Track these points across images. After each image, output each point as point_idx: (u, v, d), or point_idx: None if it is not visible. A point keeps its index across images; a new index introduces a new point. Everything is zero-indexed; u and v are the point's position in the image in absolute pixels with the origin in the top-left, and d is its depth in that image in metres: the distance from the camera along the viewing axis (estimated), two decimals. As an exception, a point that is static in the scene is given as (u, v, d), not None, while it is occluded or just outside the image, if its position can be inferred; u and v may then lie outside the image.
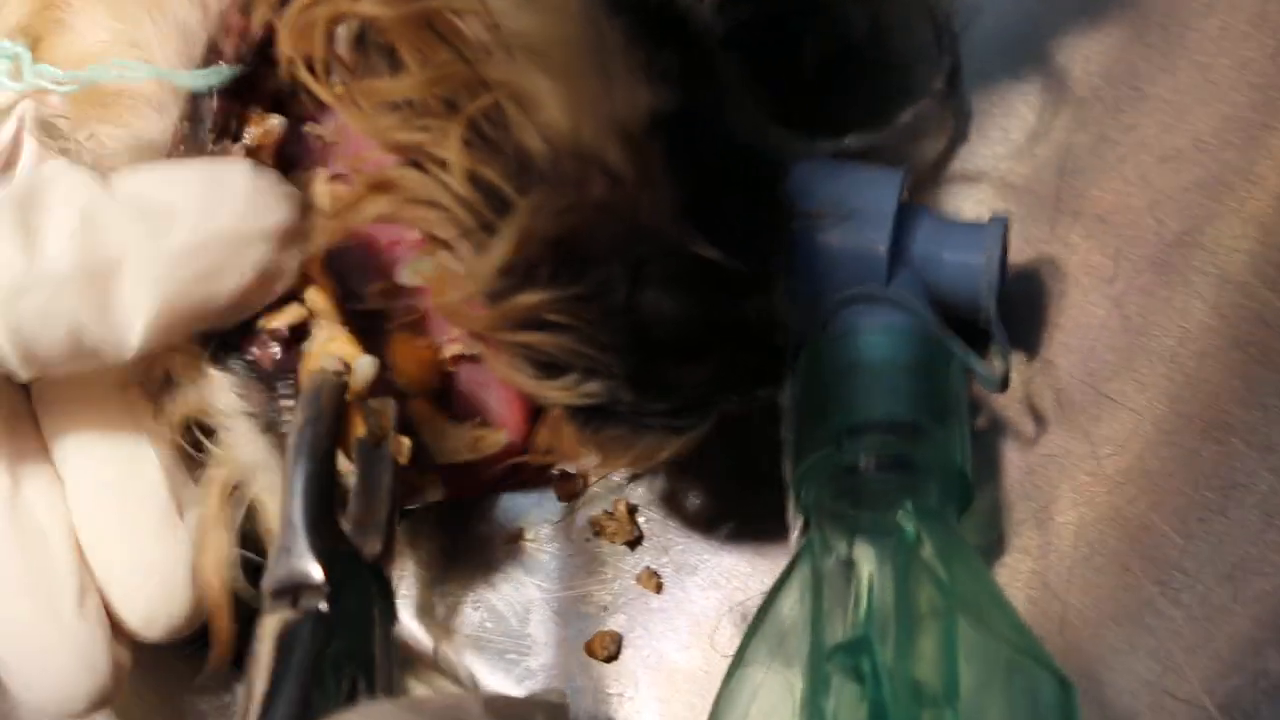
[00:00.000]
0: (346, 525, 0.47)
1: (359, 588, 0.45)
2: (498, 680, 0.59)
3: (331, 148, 0.52)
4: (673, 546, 0.59)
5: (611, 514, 0.59)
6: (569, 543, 0.60)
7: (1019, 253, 0.60)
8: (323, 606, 0.43)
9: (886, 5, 0.59)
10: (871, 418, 0.52)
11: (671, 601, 0.59)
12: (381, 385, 0.50)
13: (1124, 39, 0.63)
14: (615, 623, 0.59)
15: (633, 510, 0.59)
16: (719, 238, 0.47)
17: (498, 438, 0.53)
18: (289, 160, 0.52)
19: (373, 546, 0.47)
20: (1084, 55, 0.63)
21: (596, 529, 0.60)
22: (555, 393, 0.48)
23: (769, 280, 0.49)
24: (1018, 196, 0.62)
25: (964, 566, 0.50)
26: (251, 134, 0.51)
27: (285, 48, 0.48)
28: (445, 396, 0.53)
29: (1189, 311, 0.59)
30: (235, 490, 0.51)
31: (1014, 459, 0.58)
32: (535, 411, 0.53)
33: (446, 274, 0.47)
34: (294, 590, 0.44)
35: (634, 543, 0.59)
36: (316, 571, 0.44)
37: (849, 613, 0.50)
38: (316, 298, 0.50)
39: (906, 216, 0.56)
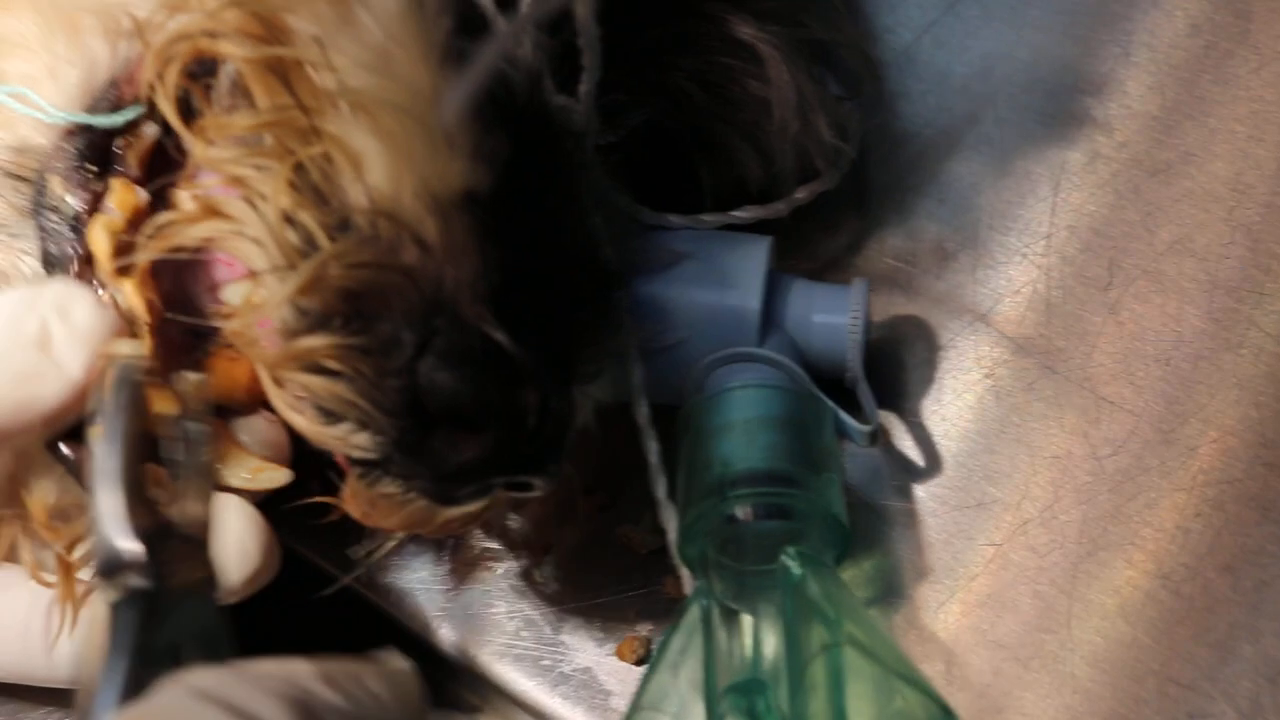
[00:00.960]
0: (164, 502, 0.46)
1: (186, 562, 0.45)
2: (533, 685, 0.61)
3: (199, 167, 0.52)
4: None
5: (637, 525, 0.62)
6: (598, 553, 0.63)
7: (1020, 265, 0.63)
8: (145, 584, 0.43)
9: (778, 147, 0.60)
10: (750, 469, 0.55)
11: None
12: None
13: (1112, 59, 0.66)
14: (643, 628, 0.61)
15: (655, 522, 0.62)
16: (515, 324, 0.48)
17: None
18: (162, 167, 0.53)
19: (193, 519, 0.47)
20: (1075, 76, 0.66)
21: (624, 539, 0.62)
22: (328, 439, 0.49)
23: (559, 375, 0.50)
24: (1013, 213, 0.65)
25: (848, 606, 0.52)
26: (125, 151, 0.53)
27: (148, 74, 0.50)
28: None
29: (1182, 317, 0.61)
30: None
31: (1020, 463, 0.61)
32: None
33: (250, 304, 0.48)
34: (116, 571, 0.44)
35: (659, 551, 0.62)
36: (134, 549, 0.43)
37: (738, 658, 0.53)
38: (131, 292, 0.51)
39: (775, 281, 0.59)
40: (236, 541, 0.52)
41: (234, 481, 0.53)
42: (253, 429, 0.54)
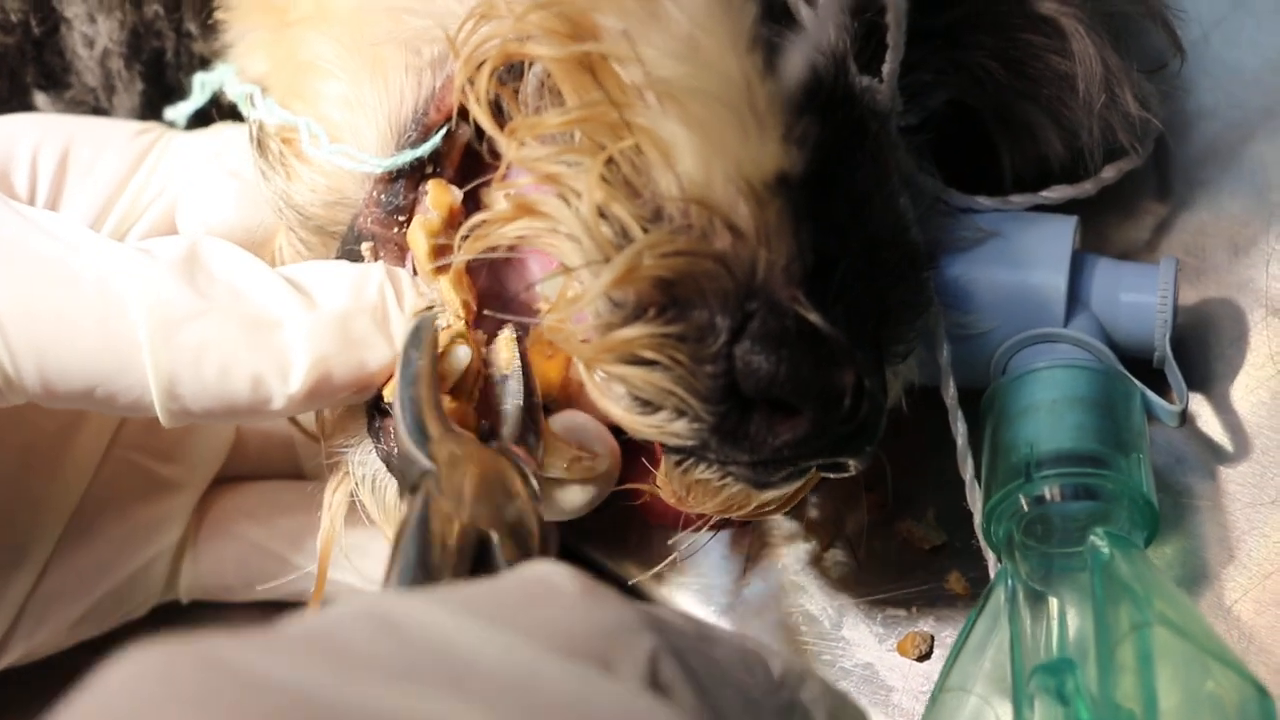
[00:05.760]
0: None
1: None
2: (813, 681, 0.61)
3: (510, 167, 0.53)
4: (976, 552, 0.61)
5: (919, 521, 0.62)
6: (878, 550, 0.62)
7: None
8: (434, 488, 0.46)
9: (1083, 123, 0.59)
10: (1057, 450, 0.54)
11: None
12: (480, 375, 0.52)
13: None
14: (925, 624, 0.61)
15: (938, 518, 0.62)
16: (828, 305, 0.48)
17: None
18: (472, 170, 0.54)
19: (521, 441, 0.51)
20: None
21: (905, 535, 0.62)
22: (645, 428, 0.49)
23: (872, 355, 0.50)
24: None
25: (1159, 586, 0.51)
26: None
27: (460, 78, 0.51)
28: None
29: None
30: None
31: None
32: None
33: (565, 299, 0.49)
34: (415, 479, 0.47)
35: (939, 549, 0.62)
36: (423, 460, 0.47)
37: (1044, 640, 0.52)
38: (448, 290, 0.53)
39: (1081, 261, 0.58)
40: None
41: (552, 472, 0.54)
42: (573, 424, 0.54)
